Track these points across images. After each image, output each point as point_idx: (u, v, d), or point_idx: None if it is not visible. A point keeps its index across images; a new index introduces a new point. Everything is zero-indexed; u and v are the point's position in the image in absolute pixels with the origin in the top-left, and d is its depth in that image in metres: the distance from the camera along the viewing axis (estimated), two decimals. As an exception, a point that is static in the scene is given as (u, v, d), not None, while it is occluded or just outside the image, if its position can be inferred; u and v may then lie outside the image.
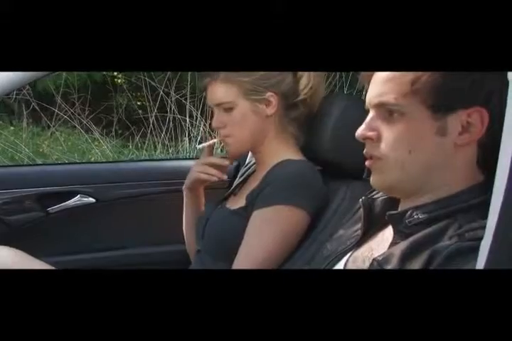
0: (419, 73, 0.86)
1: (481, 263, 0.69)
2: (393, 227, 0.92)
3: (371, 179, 0.94)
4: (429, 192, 0.89)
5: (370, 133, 0.91)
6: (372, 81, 0.92)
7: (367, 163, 0.93)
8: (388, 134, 0.89)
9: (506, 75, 0.82)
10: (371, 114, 0.92)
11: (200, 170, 1.50)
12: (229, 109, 1.40)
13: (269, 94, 1.40)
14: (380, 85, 0.90)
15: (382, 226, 0.97)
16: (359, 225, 1.01)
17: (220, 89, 1.40)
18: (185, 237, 1.63)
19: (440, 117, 0.86)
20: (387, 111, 0.89)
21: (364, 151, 0.93)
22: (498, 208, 0.68)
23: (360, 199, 1.01)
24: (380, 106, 0.90)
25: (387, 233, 0.94)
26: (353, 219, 1.07)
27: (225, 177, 1.52)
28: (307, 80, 1.44)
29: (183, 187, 1.58)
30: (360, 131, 0.92)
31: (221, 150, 4.20)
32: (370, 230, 0.99)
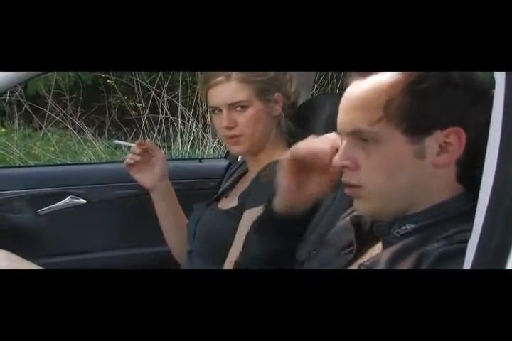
0: (390, 97, 0.83)
1: (467, 265, 0.69)
2: (382, 239, 0.91)
3: (354, 205, 0.91)
4: (413, 208, 0.87)
5: (347, 162, 0.88)
6: (341, 107, 0.89)
7: (346, 190, 0.90)
8: (365, 162, 0.86)
9: (480, 90, 0.82)
10: (345, 141, 0.89)
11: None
12: (243, 109, 1.41)
13: (277, 94, 1.44)
14: (351, 112, 0.87)
15: (373, 243, 0.94)
16: (350, 241, 0.97)
17: (235, 88, 1.40)
18: (169, 239, 1.66)
19: (417, 140, 0.83)
20: (362, 139, 0.86)
21: (342, 179, 0.90)
22: (484, 210, 0.68)
23: (349, 218, 0.98)
24: (354, 134, 0.86)
25: (377, 248, 0.92)
26: (339, 229, 1.02)
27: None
28: (295, 86, 1.49)
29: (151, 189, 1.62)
30: (336, 160, 0.89)
31: (213, 151, 4.22)
32: (361, 249, 0.95)
